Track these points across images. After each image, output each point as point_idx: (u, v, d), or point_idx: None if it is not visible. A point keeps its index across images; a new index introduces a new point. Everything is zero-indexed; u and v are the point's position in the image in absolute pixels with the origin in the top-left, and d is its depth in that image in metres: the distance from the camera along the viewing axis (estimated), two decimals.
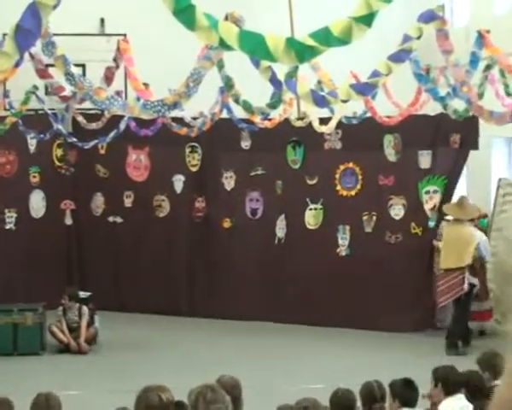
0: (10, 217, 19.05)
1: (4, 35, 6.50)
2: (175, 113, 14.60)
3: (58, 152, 19.48)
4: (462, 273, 15.22)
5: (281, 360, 14.75)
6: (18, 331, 15.85)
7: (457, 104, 13.69)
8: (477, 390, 8.30)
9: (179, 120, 16.39)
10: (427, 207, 16.83)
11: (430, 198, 16.79)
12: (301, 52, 6.28)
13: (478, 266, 15.45)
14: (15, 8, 6.34)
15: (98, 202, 19.58)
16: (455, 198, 16.70)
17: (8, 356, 15.35)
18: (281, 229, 18.11)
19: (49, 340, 16.09)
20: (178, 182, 18.99)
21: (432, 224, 16.70)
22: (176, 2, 5.91)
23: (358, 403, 8.11)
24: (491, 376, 8.63)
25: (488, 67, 13.00)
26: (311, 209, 17.80)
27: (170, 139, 17.29)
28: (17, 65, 10.06)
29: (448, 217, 16.27)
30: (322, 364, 14.14)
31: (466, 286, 15.23)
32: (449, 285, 15.34)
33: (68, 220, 19.73)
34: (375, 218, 17.24)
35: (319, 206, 17.74)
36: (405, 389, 8.49)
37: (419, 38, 10.50)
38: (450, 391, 8.44)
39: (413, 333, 16.28)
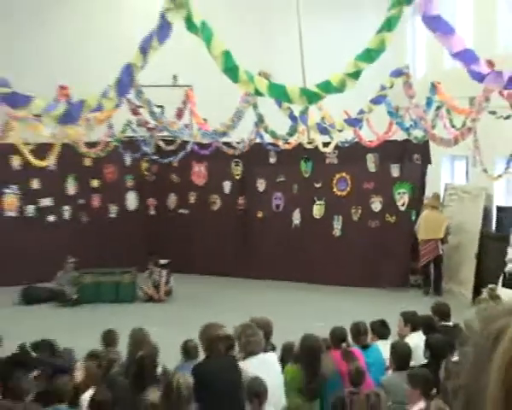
0: (113, 209, 19.17)
1: (109, 86, 6.46)
2: (224, 138, 14.65)
3: (145, 165, 19.50)
4: (436, 242, 15.84)
5: (296, 307, 14.75)
6: (119, 287, 15.94)
7: (417, 133, 13.64)
8: (430, 328, 8.28)
9: (227, 144, 16.40)
10: (399, 203, 16.93)
11: (401, 197, 16.89)
12: (310, 97, 6.25)
13: (446, 239, 15.94)
14: (116, 67, 6.35)
15: (172, 200, 19.60)
16: (427, 194, 17.08)
17: (112, 303, 15.43)
18: (296, 218, 18.09)
19: (139, 293, 16.16)
20: (226, 186, 18.97)
21: (413, 217, 16.80)
22: (225, 64, 5.89)
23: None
24: (438, 318, 8.69)
25: (439, 108, 12.90)
26: (317, 204, 17.77)
27: (221, 157, 17.28)
28: (117, 106, 10.06)
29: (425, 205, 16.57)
30: (323, 310, 14.08)
31: (440, 251, 15.90)
32: (428, 250, 15.94)
33: (152, 212, 19.78)
34: (360, 210, 17.22)
35: (322, 202, 17.71)
36: (381, 327, 8.46)
37: (391, 87, 10.43)
38: (413, 329, 8.43)
39: (390, 288, 16.21)
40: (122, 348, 8.07)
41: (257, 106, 12.88)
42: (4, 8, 17.44)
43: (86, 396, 6.76)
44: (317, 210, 17.77)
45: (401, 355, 7.30)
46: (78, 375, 7.18)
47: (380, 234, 16.93)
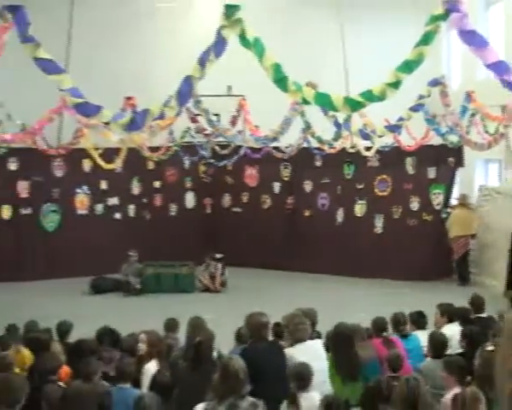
0: (173, 208, 19.32)
1: (170, 96, 6.52)
2: (274, 143, 14.67)
3: (202, 168, 19.61)
4: (467, 238, 16.01)
5: (340, 298, 14.68)
6: (178, 278, 16.04)
7: (453, 138, 13.47)
8: (466, 319, 8.18)
9: (277, 148, 16.41)
10: (435, 203, 16.73)
11: (436, 197, 16.66)
12: (354, 105, 6.24)
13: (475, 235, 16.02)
14: (176, 79, 6.41)
15: (226, 199, 19.68)
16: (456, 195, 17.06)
17: (172, 293, 15.54)
18: (340, 216, 17.99)
19: (196, 284, 16.24)
20: (276, 187, 18.98)
21: (444, 215, 16.60)
22: (275, 75, 5.91)
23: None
24: (473, 310, 8.58)
25: (473, 115, 12.76)
26: (358, 204, 17.66)
27: (271, 160, 17.32)
28: (178, 114, 10.14)
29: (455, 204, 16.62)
30: (365, 301, 14.00)
31: (470, 246, 16.05)
32: (461, 245, 16.02)
33: (208, 210, 19.88)
34: (400, 209, 17.08)
35: (364, 202, 17.59)
36: (419, 318, 8.38)
37: (428, 96, 10.34)
38: (449, 320, 8.33)
39: (427, 281, 16.06)
40: (181, 334, 8.14)
41: (304, 114, 12.89)
42: (83, 27, 17.71)
43: (149, 366, 6.83)
44: (359, 209, 17.67)
45: (438, 344, 7.22)
46: (142, 346, 7.25)
47: (417, 231, 16.76)
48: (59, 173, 17.96)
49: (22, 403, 5.60)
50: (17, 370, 6.91)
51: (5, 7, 5.81)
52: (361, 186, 17.63)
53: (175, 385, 6.27)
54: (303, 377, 6.10)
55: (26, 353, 8.01)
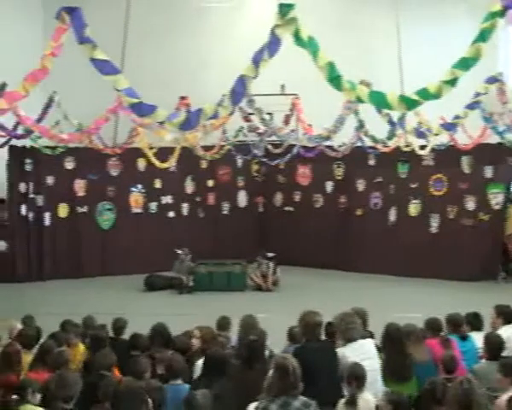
0: (226, 206, 19.41)
1: (223, 95, 6.55)
2: (327, 142, 14.60)
3: (254, 167, 19.65)
4: None
5: (393, 298, 14.54)
6: (230, 276, 16.09)
7: (510, 137, 13.21)
8: None
9: (330, 147, 16.34)
10: (493, 202, 16.45)
11: (494, 197, 16.38)
12: (409, 104, 6.17)
13: None
14: (229, 79, 6.43)
15: (278, 198, 19.68)
16: None
17: (224, 291, 15.60)
18: (392, 215, 17.82)
19: (248, 282, 16.29)
20: (329, 186, 18.89)
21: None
22: (330, 74, 5.89)
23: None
24: None
25: None
26: (412, 203, 17.45)
27: (324, 159, 17.23)
28: (231, 114, 10.20)
29: None
30: (418, 301, 13.81)
31: None
32: None
33: (260, 209, 19.91)
34: (455, 209, 16.82)
35: (418, 201, 17.37)
36: (475, 319, 8.25)
37: (485, 93, 10.16)
38: (507, 321, 8.18)
39: (482, 281, 15.87)
40: (232, 333, 8.17)
41: (358, 112, 12.79)
42: (138, 28, 17.92)
43: (200, 363, 6.87)
44: (413, 209, 17.46)
45: (494, 346, 7.09)
46: (195, 341, 7.28)
47: (473, 231, 16.50)
48: (114, 172, 18.22)
49: (76, 398, 5.71)
50: (73, 366, 7.04)
51: (63, 9, 5.92)
52: (415, 185, 17.43)
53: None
54: (359, 377, 6.08)
55: (82, 348, 8.16)
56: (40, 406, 5.92)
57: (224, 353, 6.64)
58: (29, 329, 8.44)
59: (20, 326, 8.52)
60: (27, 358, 7.53)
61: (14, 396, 6.05)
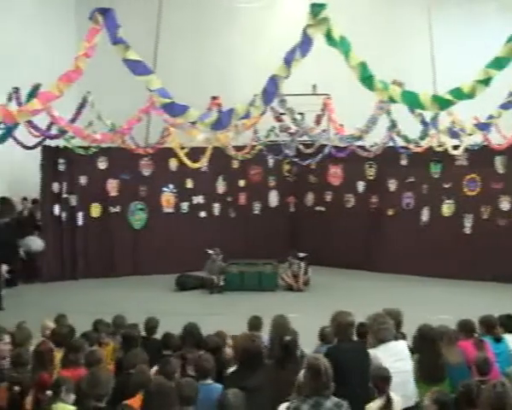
0: (257, 206, 19.42)
1: (255, 95, 6.55)
2: (359, 142, 14.54)
3: (286, 167, 19.64)
4: None
5: (424, 299, 14.42)
6: (261, 276, 16.10)
7: None
8: None
9: (362, 147, 16.27)
10: None
11: None
12: (442, 103, 6.11)
13: None
14: (261, 79, 6.43)
15: (309, 198, 19.64)
16: None
17: (255, 291, 15.62)
18: (425, 215, 17.70)
19: (279, 282, 16.28)
20: (360, 186, 18.81)
21: None
22: (362, 74, 5.86)
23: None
24: None
25: None
26: (446, 203, 17.33)
27: (355, 159, 17.17)
28: (263, 113, 10.20)
29: None
30: (450, 303, 13.70)
31: None
32: None
33: (292, 209, 19.89)
34: (489, 209, 16.69)
35: (452, 201, 17.25)
36: (508, 321, 8.15)
37: None
38: None
39: None
40: (264, 333, 8.17)
41: (390, 112, 12.72)
42: (169, 28, 18.06)
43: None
44: (447, 209, 17.33)
45: None
46: (228, 350, 7.27)
47: (508, 231, 16.36)
48: (146, 172, 18.33)
49: (109, 396, 5.75)
50: (105, 365, 7.08)
51: (96, 10, 5.97)
52: (448, 185, 17.29)
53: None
54: (382, 378, 6.04)
55: (113, 348, 8.22)
56: (73, 404, 5.98)
57: (260, 347, 6.64)
58: (62, 327, 8.53)
59: (52, 325, 8.61)
60: (60, 356, 7.62)
61: (48, 394, 6.12)
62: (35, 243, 16.05)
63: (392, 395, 6.01)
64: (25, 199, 17.24)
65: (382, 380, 5.99)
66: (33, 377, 6.53)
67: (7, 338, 7.01)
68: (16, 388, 5.77)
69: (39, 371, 6.79)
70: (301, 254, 16.44)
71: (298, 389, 5.48)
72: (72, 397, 6.02)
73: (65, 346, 7.54)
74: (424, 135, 13.49)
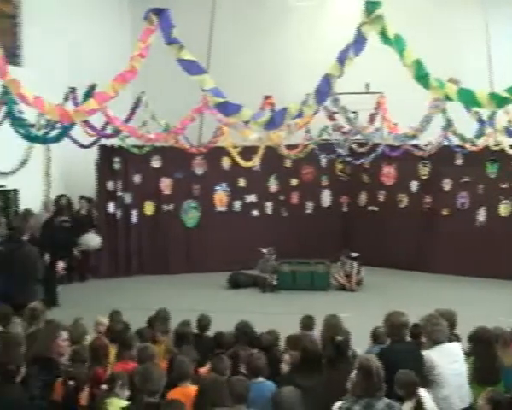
0: (309, 206, 19.38)
1: (308, 94, 6.55)
2: (413, 141, 14.38)
3: (339, 166, 19.53)
4: None
5: (480, 301, 14.19)
6: (314, 276, 16.07)
7: None
8: None
9: (416, 146, 16.10)
10: None
11: None
12: (499, 101, 6.00)
13: None
14: (312, 78, 6.41)
15: (362, 197, 19.50)
16: None
17: (307, 290, 15.59)
18: (481, 216, 17.42)
19: (332, 282, 16.22)
20: (414, 185, 18.60)
21: None
22: (417, 72, 5.79)
23: None
24: None
25: None
26: (503, 204, 17.03)
27: (409, 158, 17.01)
28: (315, 113, 10.18)
29: None
30: (506, 304, 13.45)
31: None
32: None
33: (345, 208, 19.78)
34: None
35: (509, 202, 16.96)
36: None
37: None
38: None
39: None
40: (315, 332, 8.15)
41: (446, 111, 12.55)
42: (222, 28, 18.19)
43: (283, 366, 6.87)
44: (504, 209, 17.02)
45: None
46: (284, 367, 7.23)
47: None
48: (199, 171, 18.47)
49: (161, 392, 5.82)
50: (158, 361, 7.16)
51: (151, 10, 6.03)
52: (505, 185, 16.99)
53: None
54: (410, 384, 5.94)
55: (167, 345, 8.30)
56: (127, 399, 6.06)
57: (319, 349, 6.63)
58: (116, 324, 8.66)
59: (106, 321, 8.74)
60: (114, 352, 7.74)
61: (103, 389, 6.22)
62: (94, 240, 16.32)
63: (423, 395, 5.91)
64: (82, 198, 17.54)
65: (410, 384, 5.89)
66: (88, 373, 6.65)
67: (65, 335, 7.13)
68: (71, 382, 5.86)
69: (94, 366, 6.91)
70: (354, 254, 16.36)
71: (350, 390, 5.46)
72: (127, 392, 6.11)
73: (118, 342, 7.67)
74: (480, 134, 13.27)
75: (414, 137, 12.83)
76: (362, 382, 5.29)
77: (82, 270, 16.99)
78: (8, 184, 15.15)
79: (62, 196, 16.30)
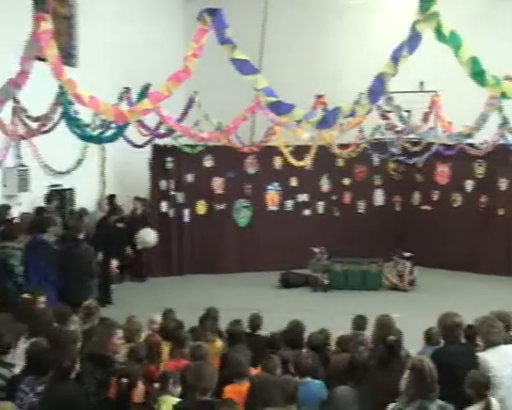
0: (361, 205, 19.24)
1: (360, 93, 6.51)
2: (468, 140, 14.18)
3: (391, 166, 19.33)
4: None
5: None
6: (365, 275, 15.98)
7: None
8: None
9: (471, 145, 15.86)
10: None
11: None
12: None
13: None
14: (364, 78, 6.35)
15: (416, 197, 19.25)
16: None
17: (360, 290, 15.50)
18: None
19: (384, 282, 16.09)
20: (468, 185, 18.30)
21: None
22: (473, 69, 5.71)
23: None
24: None
25: None
26: None
27: (464, 157, 16.76)
28: (368, 112, 10.11)
29: None
30: None
31: None
32: None
33: (398, 208, 19.57)
34: None
35: None
36: None
37: None
38: None
39: None
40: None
41: (502, 109, 12.35)
42: (274, 27, 18.23)
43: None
44: None
45: None
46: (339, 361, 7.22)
47: None
48: (251, 170, 18.51)
49: (212, 391, 5.85)
50: (210, 360, 7.20)
51: (205, 10, 6.07)
52: None
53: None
54: (481, 384, 5.85)
55: (219, 344, 8.35)
56: (179, 396, 6.11)
57: (366, 359, 6.60)
58: (169, 322, 8.75)
59: (159, 319, 8.83)
60: (168, 350, 7.82)
61: (156, 386, 6.28)
62: (149, 235, 16.44)
63: (492, 400, 5.82)
64: (137, 199, 17.78)
65: (482, 386, 5.80)
66: (141, 370, 6.72)
67: (120, 333, 7.21)
68: (124, 379, 5.94)
69: (147, 363, 6.99)
70: (407, 254, 16.20)
71: (403, 391, 5.40)
72: (179, 390, 6.16)
73: (171, 340, 7.74)
74: None
75: (469, 135, 12.67)
76: (415, 383, 5.24)
77: (135, 269, 17.20)
78: (64, 183, 15.42)
79: (113, 195, 16.52)
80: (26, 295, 9.32)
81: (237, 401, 5.52)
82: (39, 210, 13.68)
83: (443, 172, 18.67)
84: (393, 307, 11.72)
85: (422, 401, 5.19)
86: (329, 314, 12.39)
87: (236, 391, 6.02)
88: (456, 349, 6.41)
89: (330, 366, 7.27)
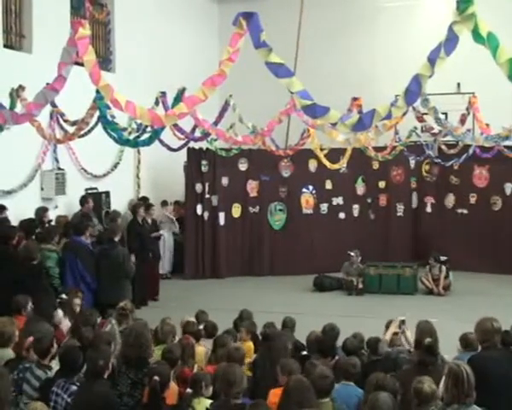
0: (400, 208, 19.07)
1: (397, 95, 6.46)
2: (507, 142, 13.99)
3: (426, 167, 19.13)
4: None
5: None
6: (400, 279, 15.84)
7: None
8: None
9: (509, 147, 15.66)
10: None
11: None
12: None
13: None
14: (400, 79, 6.31)
15: (450, 199, 19.00)
16: None
17: (394, 294, 15.39)
18: None
19: (419, 286, 15.95)
20: (508, 188, 18.07)
21: None
22: (510, 70, 5.63)
23: None
24: None
25: None
26: None
27: (503, 159, 16.54)
28: (404, 114, 10.05)
29: None
30: None
31: None
32: None
33: (428, 209, 19.33)
34: None
35: None
36: None
37: None
38: None
39: None
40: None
41: None
42: (310, 30, 18.24)
43: None
44: None
45: None
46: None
47: None
48: (286, 173, 18.49)
49: (243, 393, 5.88)
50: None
51: (240, 15, 6.08)
52: None
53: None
54: None
55: (251, 346, 8.38)
56: (211, 398, 6.15)
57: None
58: (204, 324, 8.80)
59: (193, 321, 8.87)
60: (201, 351, 7.87)
61: (189, 389, 6.32)
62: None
63: None
64: (176, 203, 17.93)
65: None
66: (175, 372, 6.76)
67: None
68: (156, 377, 5.96)
69: (181, 365, 7.03)
70: (443, 258, 16.03)
71: (441, 397, 5.36)
72: (211, 390, 6.21)
73: (213, 342, 7.82)
74: None
75: (507, 137, 12.50)
76: (451, 388, 5.19)
77: (171, 270, 17.34)
78: (100, 186, 15.58)
79: (144, 198, 16.61)
80: (63, 296, 9.47)
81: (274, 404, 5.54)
82: (83, 214, 13.85)
83: (481, 175, 18.46)
84: (428, 311, 11.61)
85: (459, 406, 5.14)
86: (364, 318, 12.33)
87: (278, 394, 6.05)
88: (494, 355, 6.32)
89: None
